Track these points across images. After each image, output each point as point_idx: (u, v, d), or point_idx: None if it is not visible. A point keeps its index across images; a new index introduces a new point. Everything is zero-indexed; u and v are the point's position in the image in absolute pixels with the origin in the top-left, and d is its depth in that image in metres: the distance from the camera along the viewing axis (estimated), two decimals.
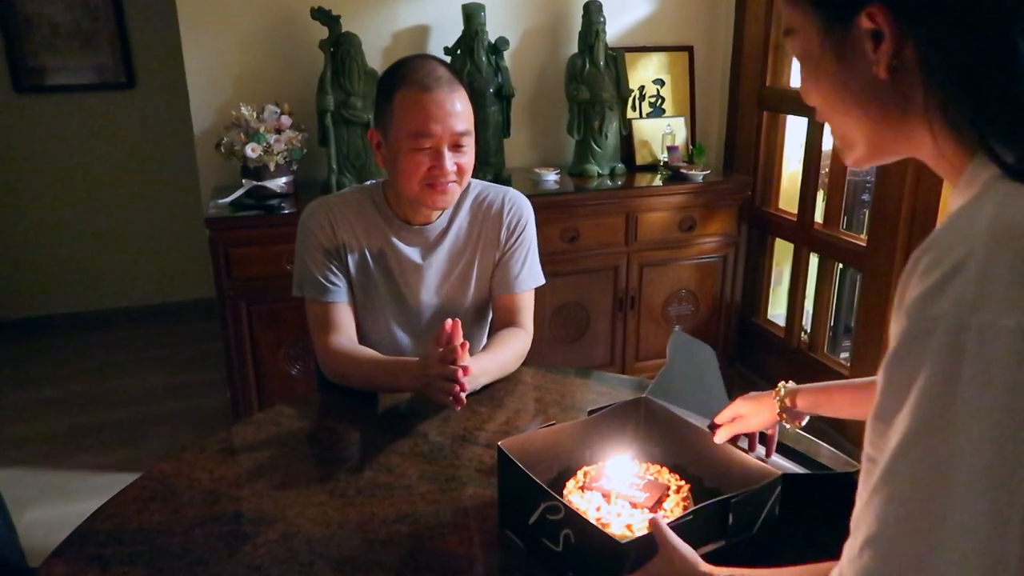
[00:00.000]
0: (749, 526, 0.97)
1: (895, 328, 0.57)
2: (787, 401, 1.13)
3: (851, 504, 0.62)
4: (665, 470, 1.10)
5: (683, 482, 1.07)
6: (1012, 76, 0.57)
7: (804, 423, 1.15)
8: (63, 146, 3.64)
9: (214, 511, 1.11)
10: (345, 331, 1.49)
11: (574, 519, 0.91)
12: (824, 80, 0.68)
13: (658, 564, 0.86)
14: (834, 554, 0.64)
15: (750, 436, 1.19)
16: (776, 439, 1.20)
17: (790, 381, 1.15)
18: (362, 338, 1.53)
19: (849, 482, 1.02)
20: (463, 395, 1.26)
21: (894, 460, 0.55)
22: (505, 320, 1.58)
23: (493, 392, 1.45)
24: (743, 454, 1.08)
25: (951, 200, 0.65)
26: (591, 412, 1.17)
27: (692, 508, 0.94)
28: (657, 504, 1.01)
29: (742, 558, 0.88)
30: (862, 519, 0.58)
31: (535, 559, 0.99)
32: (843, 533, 0.61)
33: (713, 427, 1.14)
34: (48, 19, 3.48)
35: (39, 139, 3.60)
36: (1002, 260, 0.52)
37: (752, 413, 1.14)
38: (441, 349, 1.29)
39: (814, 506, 1.04)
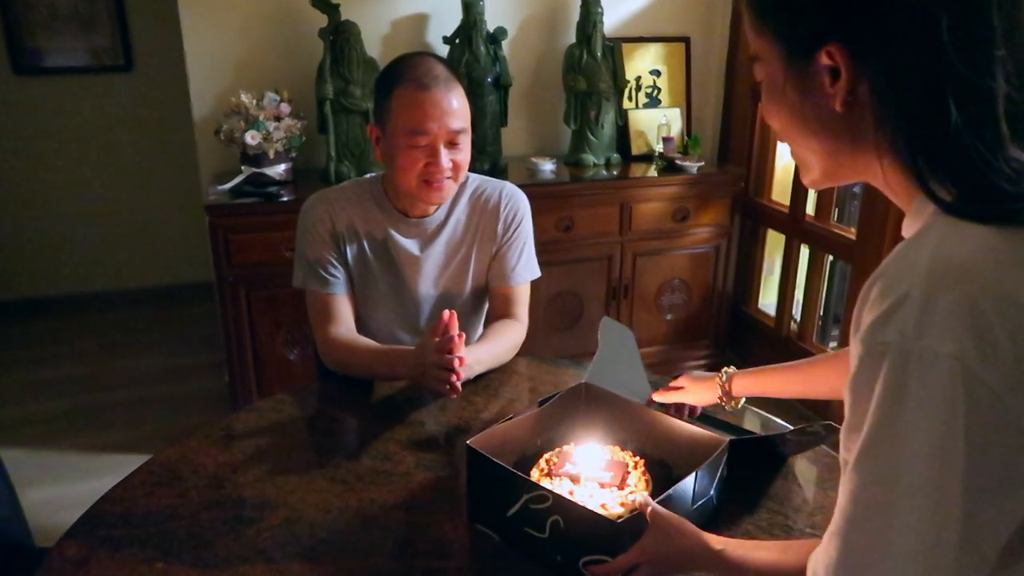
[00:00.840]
0: (706, 492, 1.04)
1: (854, 352, 0.63)
2: (727, 385, 1.26)
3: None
4: (617, 448, 1.16)
5: (637, 458, 1.14)
6: (942, 125, 0.61)
7: (740, 405, 1.29)
8: (61, 127, 3.65)
9: (219, 496, 1.15)
10: (344, 322, 1.53)
11: (564, 505, 0.96)
12: (785, 107, 0.73)
13: (655, 540, 0.91)
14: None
15: (680, 409, 1.32)
16: (699, 411, 1.34)
17: (732, 367, 1.28)
18: (361, 329, 1.57)
19: (774, 443, 1.19)
20: (458, 383, 1.31)
21: (855, 465, 0.62)
22: (501, 311, 1.62)
23: (488, 382, 1.49)
24: (687, 425, 1.15)
25: (904, 227, 0.71)
26: (541, 402, 1.22)
27: (672, 488, 0.99)
28: (622, 482, 1.06)
29: (699, 522, 0.95)
30: (835, 513, 0.65)
31: (514, 549, 1.03)
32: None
33: (664, 406, 1.27)
34: (47, 1, 3.48)
35: (38, 120, 3.62)
36: (938, 295, 0.58)
37: (696, 390, 1.29)
38: (437, 339, 1.33)
39: (750, 465, 1.17)
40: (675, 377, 1.34)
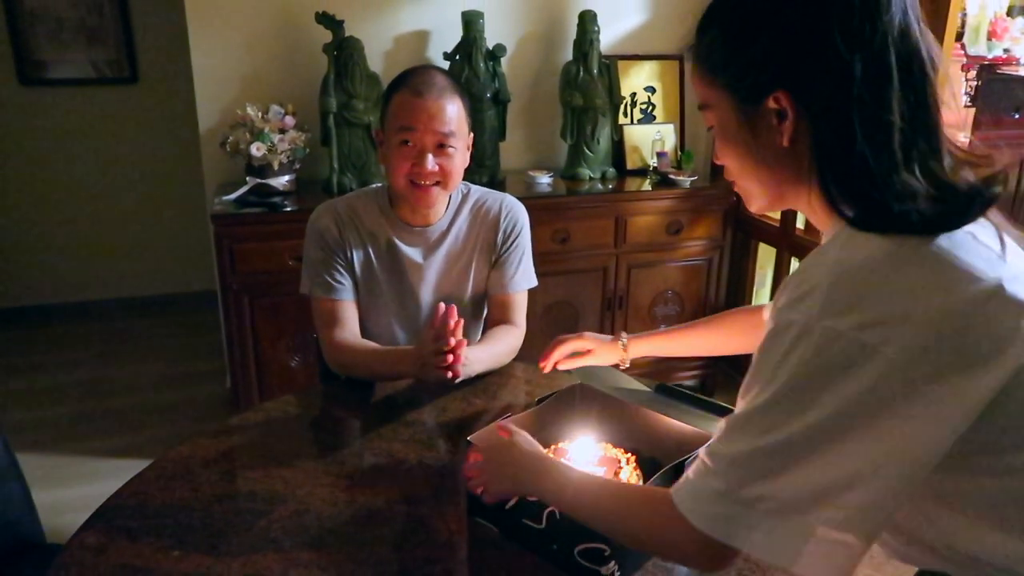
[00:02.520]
0: None
1: (768, 326, 0.77)
2: (626, 349, 1.43)
3: None
4: (610, 445, 1.23)
5: (629, 454, 1.20)
6: (851, 151, 0.75)
7: (626, 365, 1.45)
8: (67, 139, 3.71)
9: (230, 490, 1.21)
10: (349, 327, 1.59)
11: None
12: (739, 147, 0.85)
13: (495, 451, 1.07)
14: None
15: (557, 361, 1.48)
16: None
17: (625, 333, 1.46)
18: (365, 334, 1.63)
19: None
20: (459, 367, 1.37)
21: (758, 410, 0.75)
22: (499, 317, 1.68)
23: (487, 385, 1.55)
24: (676, 423, 1.21)
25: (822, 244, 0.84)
26: (539, 400, 1.29)
27: (656, 475, 1.05)
28: (615, 476, 1.13)
29: None
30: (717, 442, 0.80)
31: (512, 540, 1.09)
32: None
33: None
34: (54, 13, 3.54)
35: (43, 131, 3.67)
36: (838, 286, 0.72)
37: (602, 352, 1.45)
38: (434, 328, 1.38)
39: None
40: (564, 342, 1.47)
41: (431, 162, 1.50)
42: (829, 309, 0.71)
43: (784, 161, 0.81)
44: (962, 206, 0.74)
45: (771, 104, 0.79)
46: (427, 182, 1.52)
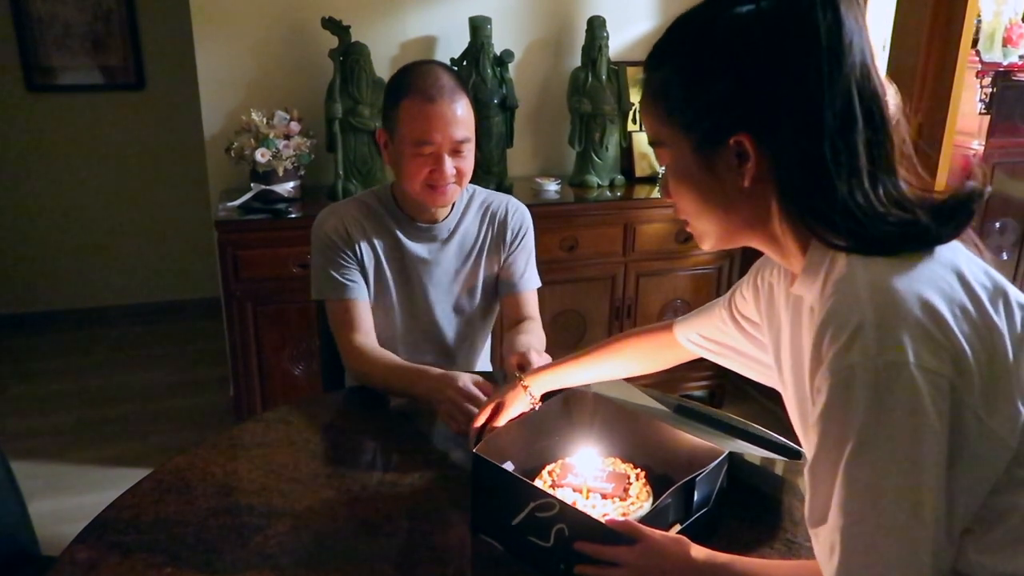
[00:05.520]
0: (706, 502, 1.05)
1: (822, 385, 0.72)
2: (526, 389, 1.28)
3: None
4: (618, 460, 1.18)
5: (639, 470, 1.15)
6: (824, 183, 0.75)
7: (538, 403, 1.30)
8: (73, 144, 3.70)
9: (226, 503, 1.17)
10: (367, 330, 1.56)
11: (571, 513, 0.98)
12: (695, 188, 0.83)
13: (642, 556, 0.92)
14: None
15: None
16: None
17: (519, 372, 1.34)
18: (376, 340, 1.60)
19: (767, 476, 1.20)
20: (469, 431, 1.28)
21: (842, 478, 0.71)
22: (517, 316, 1.68)
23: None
24: (688, 437, 1.15)
25: (797, 288, 0.83)
26: (544, 396, 1.26)
27: (668, 491, 1.00)
28: (624, 493, 1.08)
29: (700, 532, 0.98)
30: (823, 533, 0.74)
31: (517, 558, 1.04)
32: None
33: (479, 433, 1.26)
34: (61, 19, 3.54)
35: (50, 137, 3.67)
36: (888, 315, 0.70)
37: (512, 403, 1.28)
38: (472, 384, 1.33)
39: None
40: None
41: (449, 166, 1.49)
42: (886, 343, 0.69)
43: (740, 202, 0.81)
44: (947, 218, 0.76)
45: (731, 146, 0.77)
46: (444, 184, 1.51)
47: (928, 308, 0.70)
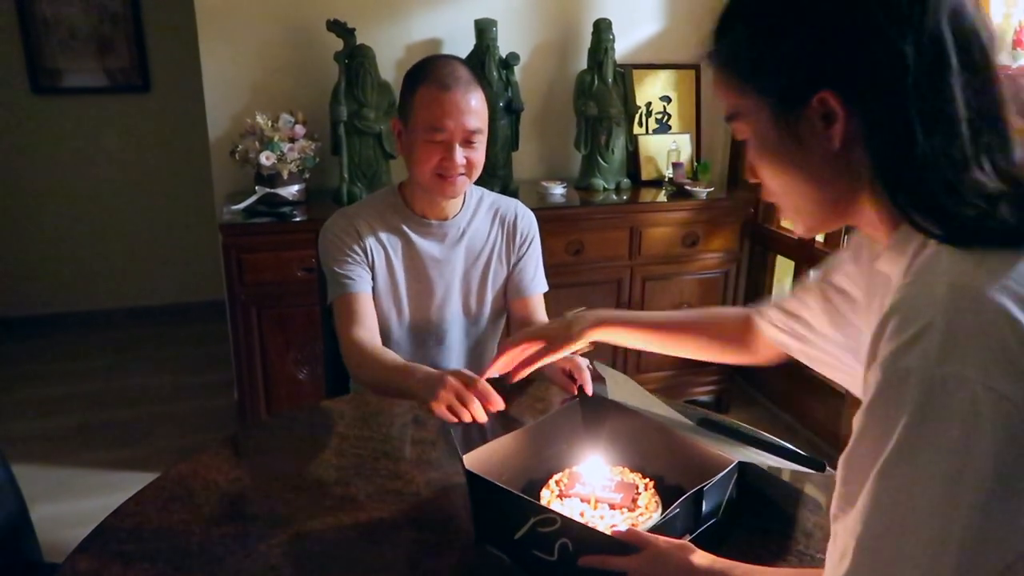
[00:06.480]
0: (715, 512, 1.04)
1: (871, 380, 0.64)
2: (582, 334, 1.24)
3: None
4: (626, 470, 1.16)
5: (647, 479, 1.13)
6: (910, 150, 0.66)
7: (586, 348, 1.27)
8: (79, 147, 3.70)
9: (230, 512, 1.16)
10: (368, 325, 1.54)
11: (573, 528, 0.96)
12: (781, 160, 0.75)
13: (646, 564, 0.90)
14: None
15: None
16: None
17: (580, 309, 1.28)
18: (385, 340, 1.59)
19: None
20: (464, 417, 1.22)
21: (873, 483, 0.63)
22: (528, 319, 1.67)
23: None
24: (698, 445, 1.13)
25: (882, 263, 0.74)
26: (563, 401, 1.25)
27: (677, 503, 0.98)
28: (632, 503, 1.06)
29: (709, 542, 0.95)
30: (841, 533, 0.66)
31: (522, 569, 1.02)
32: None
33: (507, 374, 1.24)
34: (66, 21, 3.54)
35: (55, 140, 3.67)
36: (960, 322, 0.61)
37: (554, 343, 1.24)
38: (468, 373, 1.26)
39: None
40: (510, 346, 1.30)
41: (460, 156, 1.50)
42: (951, 352, 0.60)
43: (836, 171, 0.72)
44: None
45: (816, 106, 0.70)
46: (454, 174, 1.51)
47: (1012, 323, 0.60)
